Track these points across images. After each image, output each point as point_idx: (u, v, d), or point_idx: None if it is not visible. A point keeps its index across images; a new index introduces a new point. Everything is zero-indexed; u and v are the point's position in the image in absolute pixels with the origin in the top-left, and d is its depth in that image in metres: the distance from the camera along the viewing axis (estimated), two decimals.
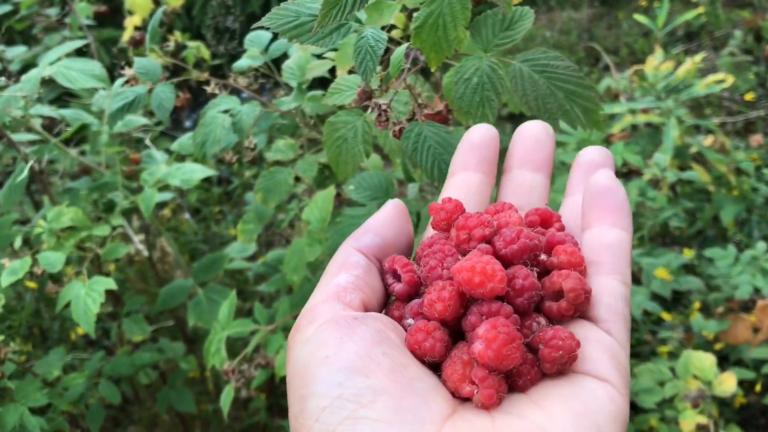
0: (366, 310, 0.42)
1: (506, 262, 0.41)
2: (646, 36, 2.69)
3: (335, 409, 0.35)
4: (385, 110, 0.59)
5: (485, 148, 0.50)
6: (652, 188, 1.68)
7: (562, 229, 0.46)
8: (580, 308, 0.41)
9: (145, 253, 1.52)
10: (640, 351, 1.60)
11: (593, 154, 0.48)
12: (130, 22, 1.85)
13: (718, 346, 1.53)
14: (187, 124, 2.99)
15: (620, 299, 0.42)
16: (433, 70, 0.67)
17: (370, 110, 0.60)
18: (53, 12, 1.94)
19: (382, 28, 0.76)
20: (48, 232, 1.06)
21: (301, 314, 0.42)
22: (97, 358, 1.30)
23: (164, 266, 1.76)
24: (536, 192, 0.50)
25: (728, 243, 1.83)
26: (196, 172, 1.18)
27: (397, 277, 0.44)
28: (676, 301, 1.75)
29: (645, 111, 1.91)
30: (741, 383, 1.48)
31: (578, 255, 0.42)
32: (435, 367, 0.40)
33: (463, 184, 0.50)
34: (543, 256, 0.43)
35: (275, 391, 1.56)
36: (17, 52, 1.74)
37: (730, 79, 1.90)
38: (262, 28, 0.59)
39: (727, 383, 1.16)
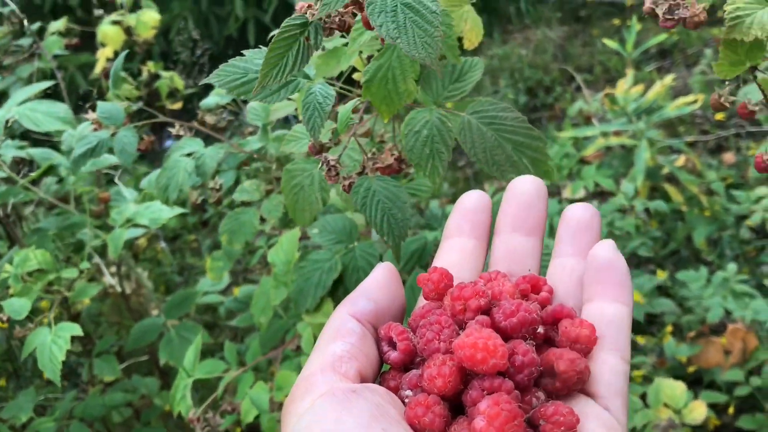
0: (362, 379, 0.42)
1: (505, 336, 0.42)
2: (620, 54, 2.72)
3: None
4: (334, 165, 0.60)
5: (479, 213, 0.50)
6: (622, 215, 1.69)
7: (550, 293, 0.47)
8: (574, 388, 0.41)
9: (118, 288, 1.51)
10: None
11: (579, 213, 0.48)
12: (102, 54, 1.85)
13: (691, 369, 1.54)
14: (168, 143, 2.98)
15: (620, 376, 0.42)
16: (385, 121, 0.67)
17: (320, 165, 0.61)
18: (26, 42, 1.93)
19: (341, 74, 0.76)
20: (14, 278, 1.05)
21: (296, 384, 0.41)
22: (68, 398, 1.29)
23: (139, 298, 1.75)
24: (529, 258, 0.50)
25: (702, 263, 1.85)
26: (164, 211, 1.18)
27: (393, 345, 0.44)
28: (651, 323, 1.76)
29: (617, 133, 1.93)
30: (715, 405, 1.49)
31: (595, 337, 0.42)
32: None
33: (458, 249, 0.50)
34: (540, 329, 0.43)
35: None
36: None
37: (701, 98, 1.92)
38: (210, 85, 0.59)
39: (698, 411, 1.17)
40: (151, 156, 2.68)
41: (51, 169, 1.24)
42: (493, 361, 0.39)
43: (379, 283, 0.46)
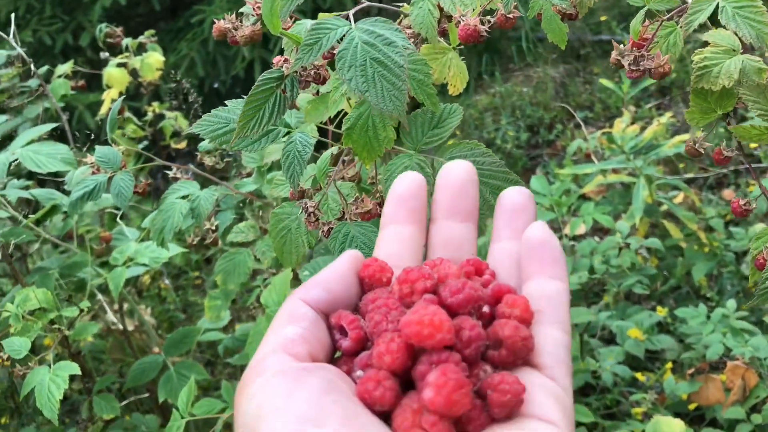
0: (314, 362, 0.42)
1: (451, 312, 0.42)
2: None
3: None
4: (313, 212, 0.62)
5: (413, 200, 0.50)
6: (618, 252, 1.70)
7: (493, 276, 0.47)
8: (520, 355, 0.42)
9: (120, 326, 1.53)
10: (615, 412, 1.60)
11: (515, 197, 0.49)
12: (108, 96, 1.89)
13: (692, 406, 1.54)
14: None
15: (562, 347, 0.43)
16: (367, 167, 0.69)
17: (300, 211, 0.63)
18: (33, 84, 1.98)
19: (334, 117, 0.78)
20: (14, 317, 1.08)
21: (248, 369, 0.41)
22: None
23: (141, 336, 1.76)
24: (466, 243, 0.50)
25: (702, 299, 1.85)
26: (164, 251, 1.20)
27: (344, 333, 0.44)
28: (652, 359, 1.76)
29: (616, 171, 1.95)
30: None
31: (530, 309, 0.43)
32: (386, 417, 0.40)
33: (396, 237, 0.50)
34: (485, 308, 0.44)
35: None
36: None
37: (699, 135, 1.93)
38: (195, 134, 0.61)
39: None
40: (157, 195, 2.71)
41: (54, 210, 1.27)
42: (440, 336, 0.39)
43: (337, 273, 0.46)
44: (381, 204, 0.67)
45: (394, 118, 0.58)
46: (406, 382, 0.41)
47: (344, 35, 0.53)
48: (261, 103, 0.53)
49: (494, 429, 0.40)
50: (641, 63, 0.58)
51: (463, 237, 0.50)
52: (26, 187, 1.37)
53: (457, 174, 0.50)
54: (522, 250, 0.46)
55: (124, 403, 1.41)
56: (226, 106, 0.62)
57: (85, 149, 1.42)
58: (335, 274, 0.46)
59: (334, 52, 0.54)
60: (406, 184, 0.50)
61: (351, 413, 0.38)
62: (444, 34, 0.79)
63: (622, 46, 0.59)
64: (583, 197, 2.16)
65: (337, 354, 0.45)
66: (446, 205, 0.50)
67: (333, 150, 0.65)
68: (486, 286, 0.46)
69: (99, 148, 0.98)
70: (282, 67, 0.54)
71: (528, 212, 0.48)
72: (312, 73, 0.55)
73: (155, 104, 2.03)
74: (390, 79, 0.51)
